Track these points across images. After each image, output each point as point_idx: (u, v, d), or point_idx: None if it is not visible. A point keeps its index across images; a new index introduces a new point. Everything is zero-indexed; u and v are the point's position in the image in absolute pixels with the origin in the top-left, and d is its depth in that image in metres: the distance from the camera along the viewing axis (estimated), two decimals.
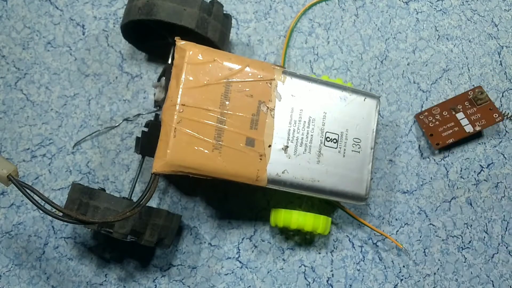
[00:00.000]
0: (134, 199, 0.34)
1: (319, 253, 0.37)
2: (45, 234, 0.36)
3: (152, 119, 0.34)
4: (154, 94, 0.35)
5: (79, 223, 0.29)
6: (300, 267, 0.37)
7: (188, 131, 0.29)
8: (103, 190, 0.32)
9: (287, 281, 0.36)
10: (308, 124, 0.32)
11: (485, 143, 0.39)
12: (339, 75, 0.40)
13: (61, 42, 0.39)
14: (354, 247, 0.37)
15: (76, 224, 0.32)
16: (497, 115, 0.38)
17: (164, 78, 0.34)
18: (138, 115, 0.38)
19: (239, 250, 0.36)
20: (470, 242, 0.38)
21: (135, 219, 0.30)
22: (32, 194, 0.26)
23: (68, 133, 0.37)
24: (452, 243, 0.38)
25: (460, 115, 0.38)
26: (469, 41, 0.41)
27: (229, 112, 0.30)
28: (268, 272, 0.36)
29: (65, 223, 0.36)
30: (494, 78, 0.41)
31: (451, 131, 0.38)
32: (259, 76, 0.31)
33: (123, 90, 0.38)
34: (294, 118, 0.32)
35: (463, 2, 0.42)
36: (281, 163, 0.31)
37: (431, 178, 0.39)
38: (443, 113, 0.39)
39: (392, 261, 0.37)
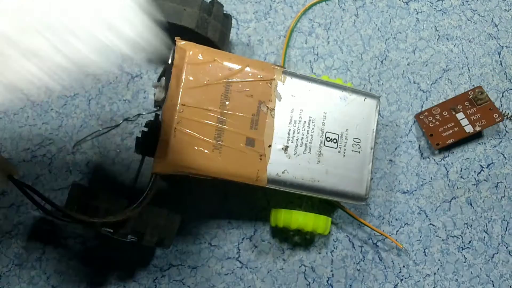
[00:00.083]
0: (134, 199, 0.34)
1: (319, 253, 0.37)
2: (45, 234, 0.36)
3: (152, 119, 0.34)
4: (154, 94, 0.35)
5: (79, 223, 0.29)
6: (300, 267, 0.37)
7: (188, 131, 0.29)
8: (103, 190, 0.32)
9: (287, 281, 0.36)
10: (308, 124, 0.32)
11: (485, 143, 0.39)
12: (339, 75, 0.40)
13: None
14: (354, 247, 0.37)
15: (76, 224, 0.32)
16: (497, 115, 0.38)
17: (164, 78, 0.34)
18: (138, 115, 0.38)
19: (239, 250, 0.36)
20: (470, 242, 0.38)
21: (135, 219, 0.30)
22: (32, 194, 0.26)
23: (68, 133, 0.37)
24: (452, 243, 0.38)
25: (460, 115, 0.38)
26: (469, 41, 0.41)
27: (229, 112, 0.30)
28: (268, 272, 0.36)
29: (65, 223, 0.35)
30: (494, 78, 0.41)
31: (451, 131, 0.38)
32: (259, 76, 0.31)
33: (123, 90, 0.38)
34: (294, 118, 0.32)
35: (463, 2, 0.42)
36: (281, 163, 0.31)
37: (431, 178, 0.39)
38: (443, 113, 0.39)
39: (392, 261, 0.37)
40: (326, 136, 0.32)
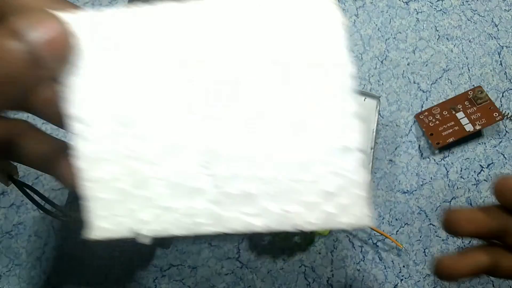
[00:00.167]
0: None
1: (319, 253, 0.37)
2: (45, 234, 0.36)
3: None
4: None
5: (79, 223, 0.29)
6: (300, 267, 0.37)
7: None
8: None
9: (287, 281, 0.36)
10: None
11: (485, 143, 0.39)
12: None
13: None
14: (354, 247, 0.37)
15: (76, 224, 0.32)
16: (497, 114, 0.38)
17: None
18: None
19: (239, 250, 0.36)
20: (470, 242, 0.38)
21: None
22: (32, 194, 0.26)
23: (68, 133, 0.37)
24: (452, 243, 0.38)
25: (460, 115, 0.38)
26: (469, 41, 0.41)
27: None
28: (268, 272, 0.36)
29: (65, 223, 0.35)
30: (494, 78, 0.41)
31: (451, 130, 0.38)
32: None
33: None
34: None
35: (463, 2, 0.42)
36: None
37: (431, 178, 0.39)
38: (443, 112, 0.39)
39: (392, 261, 0.37)
40: None
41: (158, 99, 0.17)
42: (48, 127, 0.35)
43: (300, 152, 0.17)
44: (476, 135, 0.39)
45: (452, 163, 0.39)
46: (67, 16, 0.17)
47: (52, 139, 0.20)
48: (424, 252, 0.37)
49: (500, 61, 0.41)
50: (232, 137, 0.17)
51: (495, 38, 0.41)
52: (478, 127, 0.38)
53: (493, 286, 0.37)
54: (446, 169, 0.39)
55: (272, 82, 0.17)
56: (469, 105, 0.38)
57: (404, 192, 0.38)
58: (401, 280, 0.37)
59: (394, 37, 0.41)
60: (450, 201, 0.38)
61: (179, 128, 0.17)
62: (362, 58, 0.40)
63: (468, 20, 0.42)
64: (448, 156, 0.39)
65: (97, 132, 0.17)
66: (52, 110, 0.19)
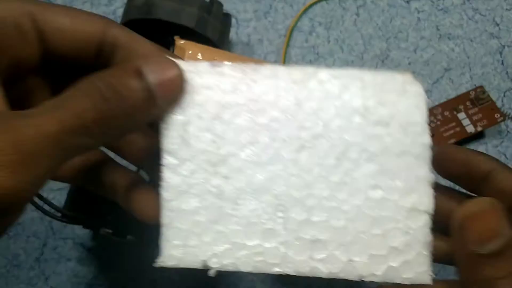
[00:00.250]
0: None
1: None
2: (43, 235, 0.36)
3: None
4: None
5: (78, 223, 0.29)
6: None
7: None
8: None
9: (287, 282, 0.36)
10: None
11: (486, 143, 0.39)
12: None
13: None
14: None
15: (75, 225, 0.31)
16: (498, 115, 0.38)
17: None
18: None
19: None
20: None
21: (134, 219, 0.30)
22: None
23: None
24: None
25: (461, 115, 0.38)
26: (471, 41, 0.41)
27: None
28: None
29: (64, 223, 0.35)
30: (496, 77, 0.40)
31: (452, 131, 0.38)
32: None
33: None
34: None
35: (464, 1, 0.42)
36: None
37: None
38: (445, 113, 0.38)
39: None
40: None
41: (247, 145, 0.19)
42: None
43: (373, 208, 0.19)
44: (477, 136, 0.39)
45: None
46: (182, 63, 0.18)
47: (131, 172, 0.22)
48: None
49: (502, 60, 0.41)
50: (309, 185, 0.19)
51: (496, 37, 0.41)
52: (479, 129, 0.38)
53: None
54: None
55: (354, 139, 0.19)
56: (470, 106, 0.38)
57: None
58: None
59: (395, 37, 0.40)
60: None
61: (263, 173, 0.19)
62: (363, 57, 0.40)
63: (470, 19, 0.41)
64: None
65: (187, 167, 0.19)
66: (135, 150, 0.22)
